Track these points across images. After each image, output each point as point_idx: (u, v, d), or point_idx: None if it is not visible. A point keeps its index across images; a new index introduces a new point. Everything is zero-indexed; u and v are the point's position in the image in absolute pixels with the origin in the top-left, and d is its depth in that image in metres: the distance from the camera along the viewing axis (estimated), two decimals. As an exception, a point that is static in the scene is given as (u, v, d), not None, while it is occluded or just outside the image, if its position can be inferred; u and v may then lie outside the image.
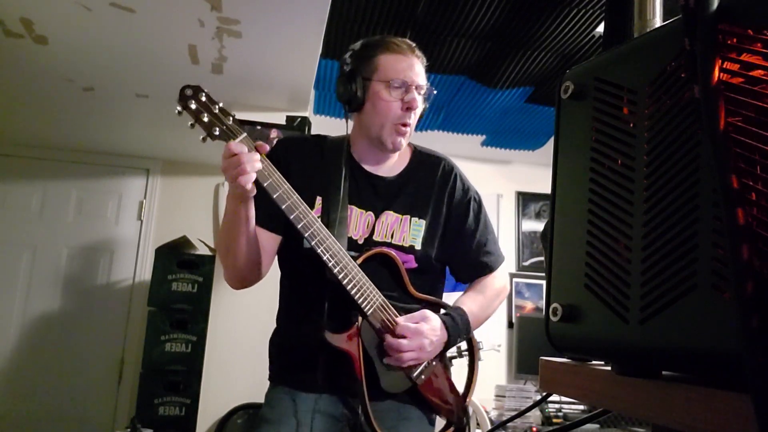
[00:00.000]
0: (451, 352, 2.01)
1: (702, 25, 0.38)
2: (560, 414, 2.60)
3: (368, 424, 1.18)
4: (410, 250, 1.31)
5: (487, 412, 2.81)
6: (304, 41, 2.29)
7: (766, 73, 0.39)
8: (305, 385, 1.25)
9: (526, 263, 4.10)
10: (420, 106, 1.32)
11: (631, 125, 0.49)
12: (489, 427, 2.71)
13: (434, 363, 1.29)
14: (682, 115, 0.44)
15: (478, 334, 1.38)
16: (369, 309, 1.20)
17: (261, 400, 1.32)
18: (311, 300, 1.26)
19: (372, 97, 1.29)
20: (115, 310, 3.72)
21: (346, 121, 1.37)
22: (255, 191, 1.13)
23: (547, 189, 0.59)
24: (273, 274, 1.37)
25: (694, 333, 0.41)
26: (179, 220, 3.72)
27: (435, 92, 1.37)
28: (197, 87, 1.13)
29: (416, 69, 1.30)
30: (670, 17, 0.49)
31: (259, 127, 2.61)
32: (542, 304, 3.90)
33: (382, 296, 1.23)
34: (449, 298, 1.39)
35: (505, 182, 4.18)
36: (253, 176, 1.10)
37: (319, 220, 1.19)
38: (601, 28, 2.52)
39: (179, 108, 1.13)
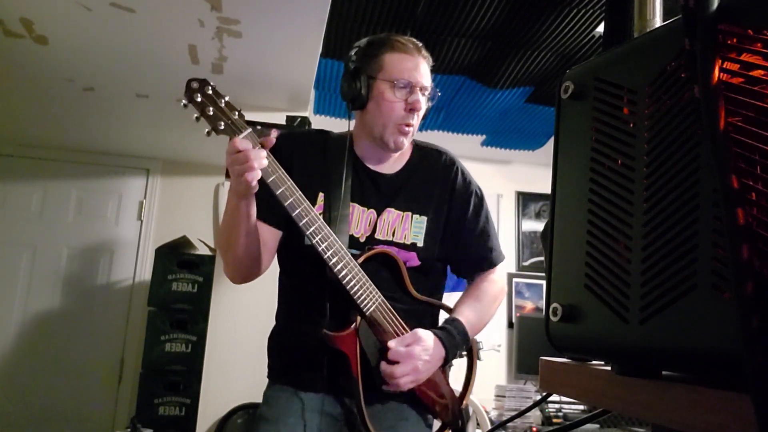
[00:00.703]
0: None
1: (702, 25, 0.38)
2: (560, 414, 2.60)
3: (362, 424, 1.18)
4: (412, 247, 1.31)
5: (487, 412, 2.81)
6: (304, 41, 2.29)
7: (766, 73, 0.39)
8: (308, 385, 1.25)
9: (526, 263, 4.10)
10: (423, 107, 1.31)
11: (631, 125, 0.49)
12: (489, 427, 2.71)
13: None
14: (682, 115, 0.44)
15: (477, 335, 1.38)
16: (368, 309, 1.20)
17: (261, 399, 1.32)
18: (312, 298, 1.26)
19: (376, 96, 1.28)
20: (115, 310, 3.72)
21: (349, 118, 1.37)
22: (257, 187, 1.13)
23: (547, 189, 0.59)
24: (273, 274, 1.37)
25: (694, 333, 0.41)
26: (179, 220, 3.72)
27: (439, 94, 1.37)
28: (204, 80, 1.12)
29: (421, 70, 1.30)
30: (670, 17, 0.49)
31: (259, 127, 2.61)
32: (542, 304, 3.90)
33: (382, 296, 1.22)
34: (449, 298, 1.38)
35: (505, 182, 4.18)
36: (259, 173, 1.09)
37: (321, 217, 1.19)
38: (601, 28, 2.52)
39: (185, 101, 1.11)
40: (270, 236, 1.29)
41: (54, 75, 2.60)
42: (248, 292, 1.38)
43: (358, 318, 1.20)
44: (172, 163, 3.89)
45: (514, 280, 3.99)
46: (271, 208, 1.22)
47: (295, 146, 1.34)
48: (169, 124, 3.18)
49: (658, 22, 0.62)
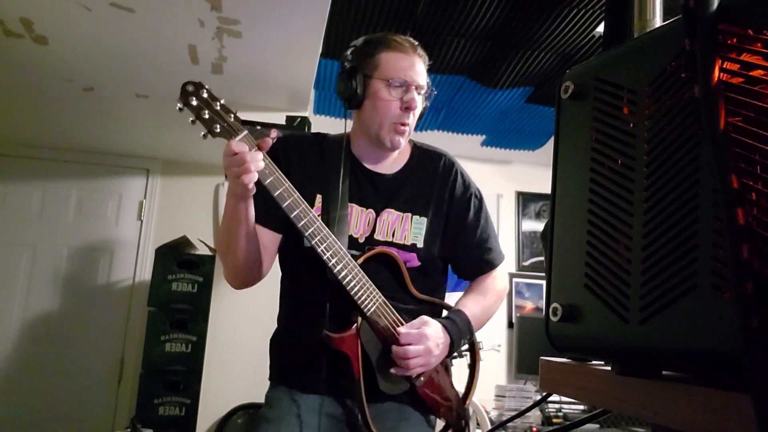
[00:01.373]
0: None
1: (702, 25, 0.38)
2: (560, 414, 2.60)
3: (365, 425, 1.18)
4: (412, 248, 1.31)
5: (487, 412, 2.81)
6: (304, 41, 2.29)
7: (766, 73, 0.39)
8: (307, 386, 1.25)
9: (526, 263, 4.10)
10: (419, 106, 1.31)
11: (631, 125, 0.49)
12: (489, 427, 2.71)
13: None
14: (682, 115, 0.44)
15: (478, 335, 1.38)
16: (369, 309, 1.20)
17: (261, 400, 1.32)
18: (312, 300, 1.26)
19: (372, 95, 1.28)
20: (115, 310, 3.72)
21: (345, 119, 1.37)
22: (255, 190, 1.13)
23: (547, 189, 0.59)
24: (273, 274, 1.37)
25: (694, 333, 0.41)
26: (179, 220, 3.72)
27: (435, 92, 1.37)
28: (199, 83, 1.12)
29: (417, 68, 1.30)
30: (670, 17, 0.49)
31: (258, 127, 2.61)
32: (542, 304, 3.90)
33: (383, 297, 1.22)
34: (449, 298, 1.38)
35: (505, 182, 4.18)
36: (256, 175, 1.10)
37: (319, 218, 1.19)
38: (601, 28, 2.52)
39: (180, 104, 1.12)
40: (269, 240, 1.29)
41: (54, 75, 2.60)
42: (248, 292, 1.38)
43: (359, 318, 1.20)
44: (172, 163, 3.89)
45: (514, 280, 3.99)
46: (269, 211, 1.22)
47: (291, 150, 1.33)
48: (168, 124, 3.17)
49: (658, 22, 0.62)
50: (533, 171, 4.20)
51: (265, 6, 2.02)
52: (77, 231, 3.78)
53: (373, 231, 1.30)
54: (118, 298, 3.75)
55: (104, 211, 3.84)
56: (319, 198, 1.29)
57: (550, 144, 3.23)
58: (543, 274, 3.56)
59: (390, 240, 1.30)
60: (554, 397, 2.02)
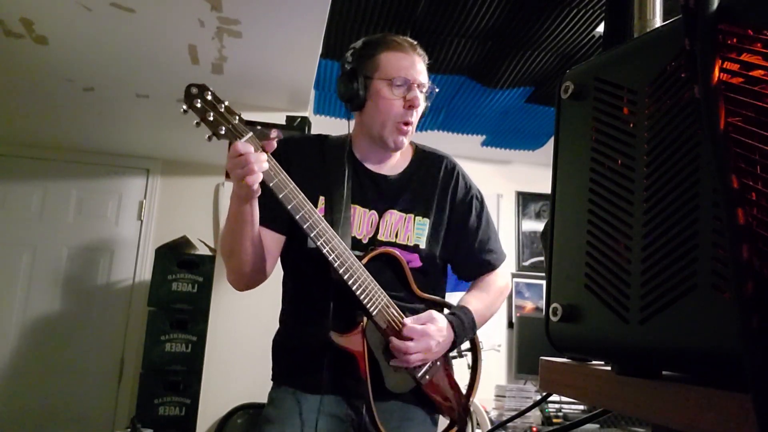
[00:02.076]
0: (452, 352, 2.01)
1: (702, 25, 0.38)
2: (560, 414, 2.60)
3: (372, 425, 1.18)
4: (415, 249, 1.31)
5: (487, 412, 2.81)
6: (304, 41, 2.29)
7: (766, 73, 0.39)
8: (309, 386, 1.25)
9: (526, 263, 4.10)
10: (422, 104, 1.31)
11: (631, 125, 0.49)
12: (489, 427, 2.71)
13: (438, 363, 1.30)
14: (682, 115, 0.44)
15: (478, 334, 1.38)
16: (374, 309, 1.20)
17: (261, 400, 1.32)
18: (316, 300, 1.26)
19: (373, 95, 1.29)
20: (115, 310, 3.72)
21: (348, 120, 1.37)
22: (260, 191, 1.13)
23: (547, 189, 0.59)
24: (274, 275, 1.37)
25: (694, 333, 0.41)
26: (179, 220, 3.72)
27: (437, 90, 1.37)
28: (203, 85, 1.12)
29: (418, 67, 1.30)
30: (670, 17, 0.49)
31: (259, 127, 2.61)
32: (542, 304, 3.90)
33: (387, 296, 1.23)
34: (449, 298, 1.39)
35: (505, 182, 4.18)
36: (260, 176, 1.10)
37: (324, 220, 1.19)
38: (601, 28, 2.52)
39: (185, 107, 1.11)
40: (273, 242, 1.29)
41: (54, 75, 2.60)
42: (248, 292, 1.39)
43: (365, 319, 1.20)
44: (172, 163, 3.89)
45: (514, 280, 3.99)
46: (273, 212, 1.22)
47: (293, 152, 1.33)
48: (169, 124, 3.18)
49: (658, 22, 0.62)
50: (533, 171, 4.20)
51: (265, 6, 2.02)
52: (77, 231, 3.79)
53: (377, 232, 1.30)
54: (118, 298, 3.75)
55: (104, 211, 3.84)
56: (322, 199, 1.29)
57: (550, 144, 3.23)
58: (543, 274, 3.56)
59: (393, 240, 1.30)
60: (554, 397, 2.02)
